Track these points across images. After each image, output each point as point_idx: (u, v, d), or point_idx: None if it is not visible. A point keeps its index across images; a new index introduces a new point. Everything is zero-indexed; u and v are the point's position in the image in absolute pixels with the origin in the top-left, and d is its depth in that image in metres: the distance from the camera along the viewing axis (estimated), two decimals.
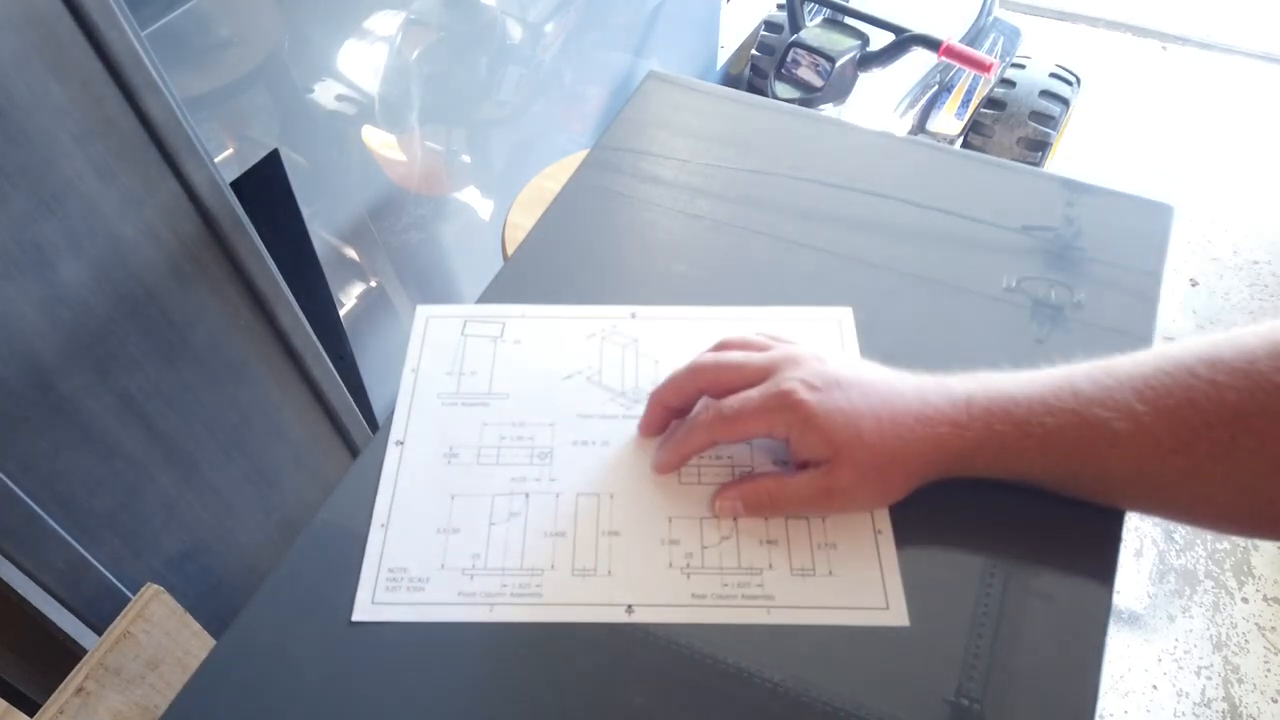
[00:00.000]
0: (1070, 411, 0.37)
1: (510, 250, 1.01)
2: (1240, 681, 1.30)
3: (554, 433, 0.45)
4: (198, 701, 0.36)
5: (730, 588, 0.39)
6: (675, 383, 0.43)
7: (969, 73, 1.73)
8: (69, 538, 0.66)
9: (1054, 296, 0.49)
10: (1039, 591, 0.38)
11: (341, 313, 1.07)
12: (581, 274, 0.52)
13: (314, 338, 0.85)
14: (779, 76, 1.43)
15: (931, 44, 1.33)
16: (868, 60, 1.41)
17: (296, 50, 0.88)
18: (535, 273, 0.52)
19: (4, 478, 0.61)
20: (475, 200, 1.30)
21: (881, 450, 0.38)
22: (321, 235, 0.99)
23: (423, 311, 0.51)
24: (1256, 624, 1.36)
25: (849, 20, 1.48)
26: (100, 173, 0.60)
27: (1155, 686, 1.30)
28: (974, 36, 1.74)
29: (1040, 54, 1.80)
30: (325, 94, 0.94)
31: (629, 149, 0.59)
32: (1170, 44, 2.50)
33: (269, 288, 0.77)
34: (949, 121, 1.73)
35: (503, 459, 0.44)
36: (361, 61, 0.96)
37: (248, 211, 0.73)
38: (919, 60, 1.56)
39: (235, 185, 0.78)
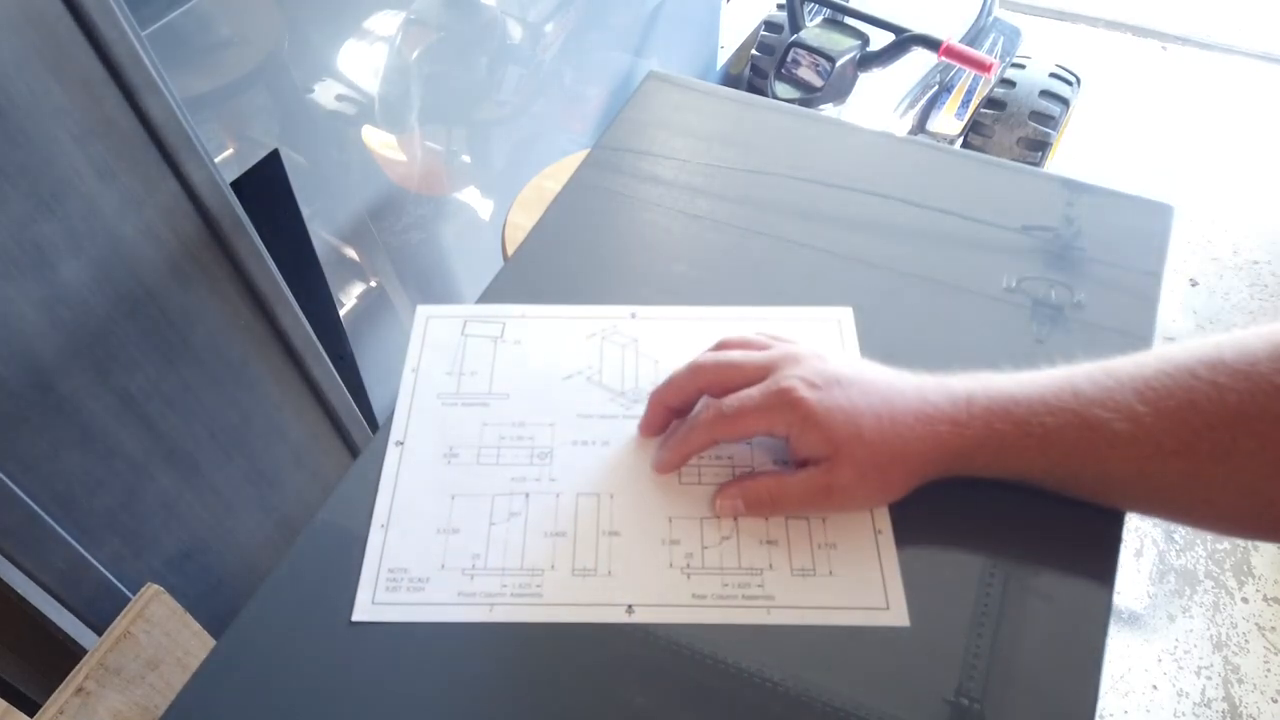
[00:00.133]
0: (1071, 412, 0.37)
1: (510, 250, 1.01)
2: (1240, 681, 1.30)
3: (554, 433, 0.45)
4: (198, 701, 0.36)
5: (730, 588, 0.39)
6: (675, 382, 0.43)
7: (969, 73, 1.73)
8: (69, 538, 0.66)
9: (1054, 296, 0.49)
10: (1039, 591, 0.38)
11: (341, 313, 1.07)
12: (581, 274, 0.52)
13: (314, 338, 0.85)
14: (779, 76, 1.43)
15: (931, 44, 1.33)
16: (868, 60, 1.41)
17: (296, 50, 0.88)
18: (535, 273, 0.52)
19: (4, 478, 0.61)
20: (475, 200, 1.30)
21: (881, 448, 0.38)
22: (321, 235, 0.99)
23: (423, 311, 0.51)
24: (1256, 624, 1.36)
25: (849, 20, 1.48)
26: (100, 173, 0.60)
27: (1155, 686, 1.30)
28: (974, 36, 1.74)
29: (1040, 54, 1.80)
30: (325, 94, 0.94)
31: (629, 149, 0.59)
32: (1170, 44, 2.50)
33: (269, 288, 0.77)
34: (949, 121, 1.73)
35: (503, 459, 0.44)
36: (361, 61, 0.96)
37: (248, 211, 0.73)
38: (919, 60, 1.56)
39: (235, 185, 0.78)
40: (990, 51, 1.81)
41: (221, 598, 0.86)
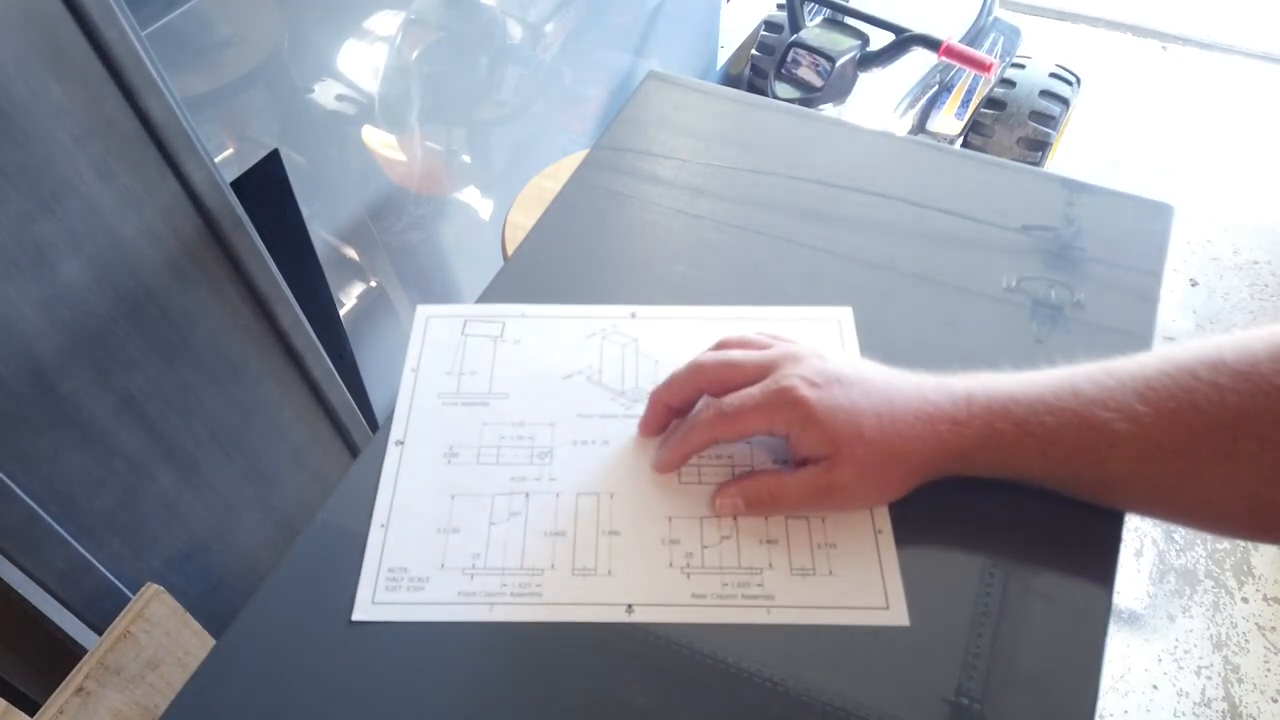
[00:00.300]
0: (1071, 412, 0.37)
1: (510, 250, 1.01)
2: (1240, 681, 1.30)
3: (554, 432, 0.45)
4: (198, 701, 0.36)
5: (730, 587, 0.39)
6: (675, 382, 0.43)
7: (969, 73, 1.73)
8: (69, 538, 0.66)
9: (1054, 296, 0.49)
10: (1039, 591, 0.38)
11: (341, 313, 1.07)
12: (581, 274, 0.52)
13: (314, 338, 0.85)
14: (779, 76, 1.43)
15: (931, 44, 1.33)
16: (868, 60, 1.41)
17: (296, 50, 0.88)
18: (535, 273, 0.52)
19: (4, 478, 0.61)
20: (475, 200, 1.30)
21: (882, 447, 0.38)
22: (321, 235, 0.99)
23: (423, 311, 0.51)
24: (1256, 624, 1.36)
25: (849, 20, 1.48)
26: (100, 172, 0.60)
27: (1155, 686, 1.30)
28: (974, 36, 1.74)
29: (1040, 54, 1.80)
30: (325, 94, 0.94)
31: (629, 149, 0.59)
32: (1170, 44, 2.50)
33: (269, 288, 0.77)
34: (949, 121, 1.73)
35: (503, 459, 0.44)
36: (361, 61, 0.96)
37: (248, 211, 0.73)
38: (919, 60, 1.56)
39: (235, 185, 0.78)
40: (990, 51, 1.81)
41: (221, 598, 0.86)
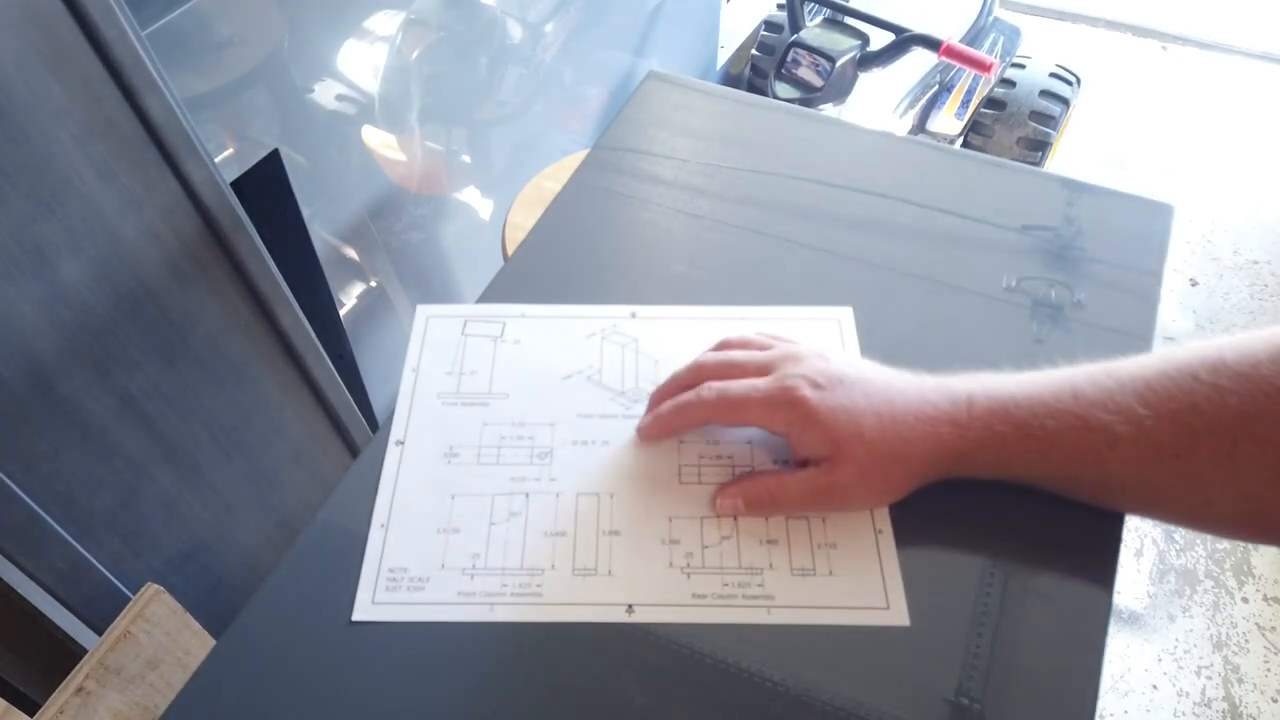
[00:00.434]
0: (1071, 414, 0.37)
1: (510, 250, 1.01)
2: (1240, 681, 1.30)
3: (554, 432, 0.45)
4: (198, 701, 0.36)
5: (730, 587, 0.39)
6: (677, 382, 0.43)
7: (969, 73, 1.73)
8: (69, 538, 0.66)
9: (1054, 296, 0.49)
10: (1039, 591, 0.38)
11: (341, 313, 1.07)
12: (581, 274, 0.52)
13: (314, 338, 0.85)
14: (779, 76, 1.43)
15: (931, 44, 1.33)
16: (868, 60, 1.41)
17: (296, 50, 0.88)
18: (535, 273, 0.52)
19: (4, 478, 0.61)
20: (475, 200, 1.30)
21: (882, 449, 0.38)
22: (321, 235, 0.99)
23: (423, 311, 0.51)
24: (1256, 624, 1.36)
25: (849, 20, 1.48)
26: (100, 173, 0.60)
27: (1155, 686, 1.30)
28: (974, 36, 1.74)
29: (1040, 54, 1.80)
30: (325, 94, 0.94)
31: (629, 149, 0.59)
32: (1170, 44, 2.50)
33: (269, 288, 0.77)
34: (949, 121, 1.73)
35: (503, 459, 0.44)
36: (361, 61, 0.96)
37: (248, 211, 0.73)
38: (919, 60, 1.56)
39: (235, 185, 0.78)
40: (990, 51, 1.81)
41: (221, 598, 0.86)
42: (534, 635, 0.38)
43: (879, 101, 1.60)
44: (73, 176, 0.59)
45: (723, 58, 1.91)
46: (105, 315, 0.65)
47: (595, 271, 0.52)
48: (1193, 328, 1.79)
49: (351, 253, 1.09)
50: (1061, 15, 2.59)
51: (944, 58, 1.32)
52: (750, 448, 0.44)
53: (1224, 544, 1.46)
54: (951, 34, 1.49)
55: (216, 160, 0.69)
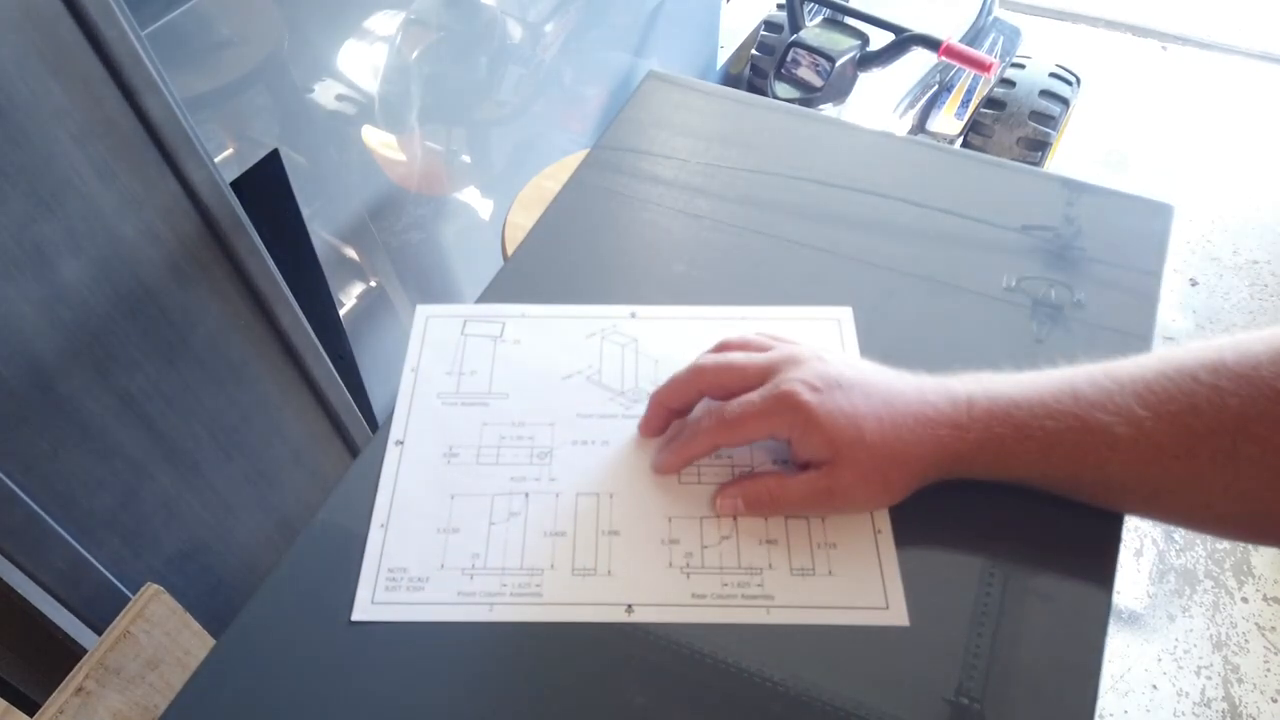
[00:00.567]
0: (1071, 415, 0.37)
1: (510, 250, 1.01)
2: (1240, 681, 1.30)
3: (554, 432, 0.45)
4: (198, 701, 0.36)
5: (730, 587, 0.39)
6: (676, 384, 0.43)
7: (969, 73, 1.73)
8: (69, 538, 0.66)
9: (1054, 296, 0.49)
10: (1039, 591, 0.38)
11: (341, 313, 1.07)
12: (581, 274, 0.52)
13: (314, 338, 0.85)
14: (779, 76, 1.43)
15: (931, 44, 1.33)
16: (868, 60, 1.41)
17: (296, 50, 0.88)
18: (535, 273, 0.52)
19: (4, 478, 0.61)
20: (475, 200, 1.30)
21: (883, 451, 0.38)
22: (321, 235, 0.99)
23: (423, 311, 0.51)
24: (1256, 624, 1.36)
25: (849, 20, 1.48)
26: (100, 173, 0.60)
27: (1155, 686, 1.30)
28: (974, 36, 1.74)
29: (1040, 54, 1.80)
30: (325, 94, 0.94)
31: (629, 149, 0.59)
32: (1170, 44, 2.50)
33: (269, 288, 0.77)
34: (949, 121, 1.73)
35: (503, 459, 0.44)
36: (361, 61, 0.96)
37: (248, 211, 0.73)
38: (919, 60, 1.56)
39: (235, 185, 0.78)
40: (990, 51, 1.81)
41: (221, 598, 0.86)
42: (534, 635, 0.38)
43: (879, 101, 1.60)
44: (73, 176, 0.59)
45: (723, 58, 1.91)
46: (105, 315, 0.65)
47: (595, 271, 0.52)
48: (1193, 328, 1.79)
49: (351, 253, 1.09)
50: (1061, 15, 2.59)
51: (944, 58, 1.32)
52: (750, 448, 0.44)
53: (1224, 544, 1.46)
54: (951, 34, 1.49)
55: (216, 160, 0.69)
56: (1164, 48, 2.49)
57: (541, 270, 0.52)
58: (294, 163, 0.90)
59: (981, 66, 1.29)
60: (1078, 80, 1.75)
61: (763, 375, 0.41)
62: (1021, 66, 1.76)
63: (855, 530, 0.40)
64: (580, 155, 0.94)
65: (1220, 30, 2.49)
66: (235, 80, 0.83)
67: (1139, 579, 1.42)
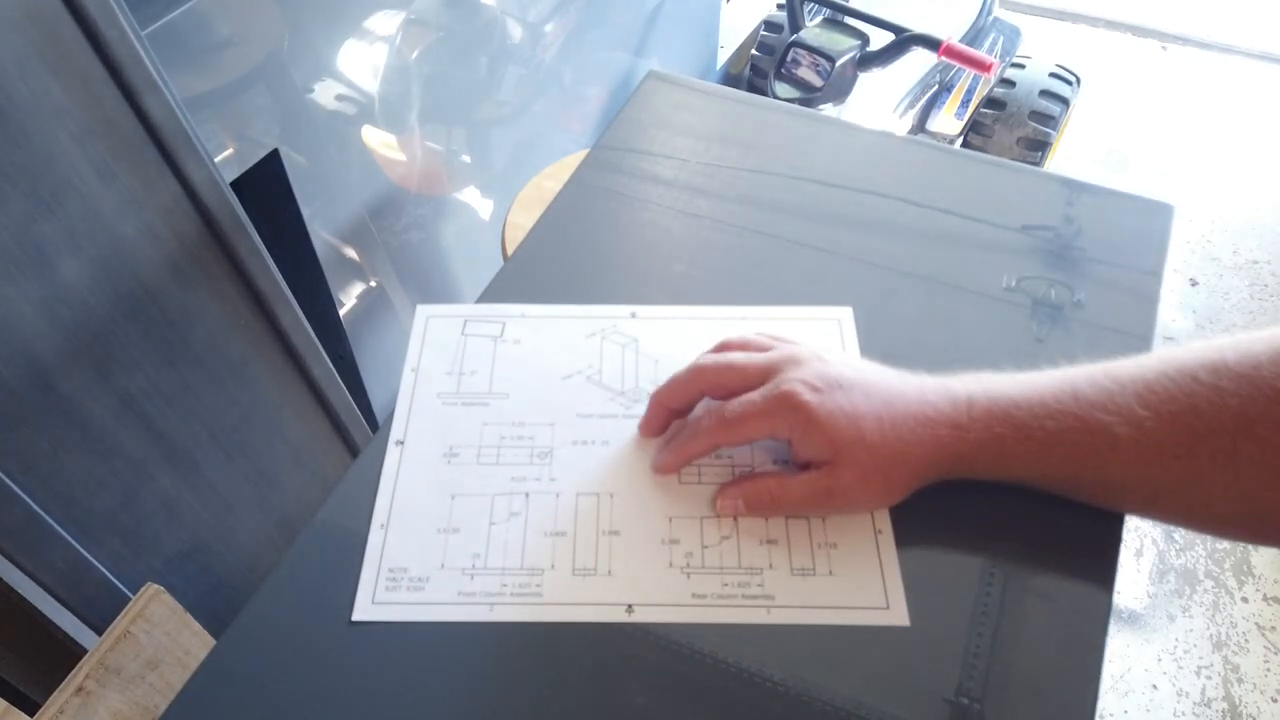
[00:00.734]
0: (1071, 415, 0.37)
1: (510, 250, 1.01)
2: (1240, 681, 1.30)
3: (554, 432, 0.45)
4: (198, 701, 0.36)
5: (730, 587, 0.39)
6: (676, 384, 0.43)
7: (969, 73, 1.73)
8: (69, 538, 0.66)
9: (1054, 296, 0.49)
10: (1039, 591, 0.38)
11: (341, 313, 1.07)
12: (581, 274, 0.52)
13: (314, 338, 0.85)
14: (779, 76, 1.43)
15: (931, 44, 1.33)
16: (868, 60, 1.41)
17: (296, 50, 0.88)
18: (535, 273, 0.52)
19: (4, 478, 0.61)
20: (475, 200, 1.30)
21: (883, 451, 0.38)
22: (321, 235, 0.99)
23: (423, 311, 0.51)
24: (1256, 624, 1.36)
25: (849, 20, 1.48)
26: (100, 173, 0.60)
27: (1155, 686, 1.30)
28: (974, 36, 1.74)
29: (1040, 54, 1.80)
30: (325, 94, 0.94)
31: (629, 149, 0.59)
32: (1170, 44, 2.50)
33: (269, 288, 0.77)
34: (949, 121, 1.73)
35: (503, 459, 0.44)
36: (361, 61, 0.96)
37: (248, 211, 0.73)
38: (919, 60, 1.56)
39: (235, 185, 0.78)
40: (990, 51, 1.81)
41: (221, 598, 0.86)
42: (534, 635, 0.38)
43: (879, 101, 1.60)
44: (73, 176, 0.59)
45: (723, 58, 1.91)
46: (105, 315, 0.65)
47: (595, 271, 0.52)
48: (1193, 328, 1.79)
49: (351, 253, 1.09)
50: (1061, 15, 2.59)
51: (944, 58, 1.32)
52: (750, 448, 0.44)
53: (1224, 544, 1.46)
54: (951, 34, 1.49)
55: (216, 160, 0.69)
56: (1164, 48, 2.49)
57: (541, 270, 0.52)
58: (294, 163, 0.90)
59: (981, 66, 1.29)
60: (1078, 80, 1.75)
61: (763, 375, 0.41)
62: (1021, 66, 1.76)
63: (855, 530, 0.40)
64: (580, 155, 0.94)
65: (1220, 30, 2.49)
66: (235, 80, 0.83)
67: (1139, 579, 1.42)
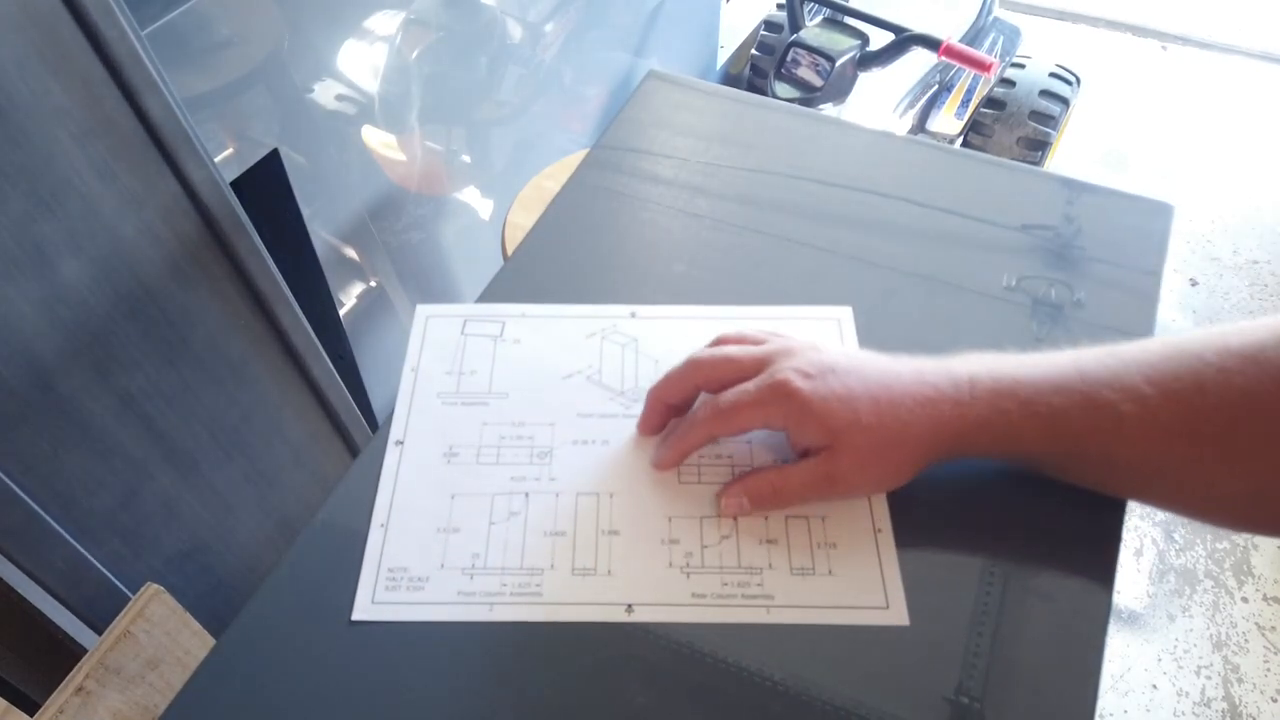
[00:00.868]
0: (1077, 392, 0.37)
1: (510, 250, 1.01)
2: (1240, 681, 1.30)
3: (554, 432, 0.45)
4: (198, 701, 0.36)
5: (730, 587, 0.39)
6: (672, 379, 0.43)
7: (969, 72, 1.73)
8: (69, 538, 0.66)
9: (1054, 295, 0.49)
10: (1039, 591, 0.38)
11: (341, 313, 1.07)
12: (581, 274, 0.52)
13: (314, 338, 0.85)
14: (779, 76, 1.43)
15: (931, 44, 1.33)
16: (868, 60, 1.41)
17: (296, 50, 0.88)
18: (535, 273, 0.52)
19: (4, 478, 0.61)
20: (475, 200, 1.30)
21: (880, 433, 0.38)
22: (321, 235, 0.99)
23: (423, 311, 0.51)
24: (1256, 623, 1.36)
25: (849, 20, 1.48)
26: (100, 172, 0.60)
27: (1155, 686, 1.30)
28: (974, 36, 1.74)
29: (1040, 54, 1.80)
30: (325, 94, 0.94)
31: (629, 149, 0.59)
32: (1170, 44, 2.50)
33: (269, 288, 0.77)
34: (949, 121, 1.73)
35: (503, 458, 0.44)
36: (361, 61, 0.96)
37: (248, 211, 0.73)
38: (919, 60, 1.56)
39: (235, 185, 0.78)
40: (990, 51, 1.81)
41: (221, 598, 0.86)
42: (534, 635, 0.38)
43: (879, 101, 1.60)
44: (73, 176, 0.59)
45: (723, 58, 1.91)
46: (105, 315, 0.65)
47: (595, 271, 0.52)
48: (1192, 328, 1.79)
49: (351, 253, 1.09)
50: (1061, 15, 2.59)
51: (944, 57, 1.32)
52: (750, 447, 0.44)
53: (1224, 544, 1.46)
54: (951, 34, 1.49)
55: (216, 160, 0.69)
56: (1164, 48, 2.49)
57: (541, 270, 0.52)
58: (294, 163, 0.90)
59: (981, 66, 1.29)
60: (1078, 80, 1.75)
61: (758, 367, 0.41)
62: (1021, 66, 1.76)
63: (855, 530, 0.40)
64: (580, 155, 0.94)
65: (1220, 30, 2.49)
66: (235, 80, 0.83)
67: (1139, 579, 1.42)
